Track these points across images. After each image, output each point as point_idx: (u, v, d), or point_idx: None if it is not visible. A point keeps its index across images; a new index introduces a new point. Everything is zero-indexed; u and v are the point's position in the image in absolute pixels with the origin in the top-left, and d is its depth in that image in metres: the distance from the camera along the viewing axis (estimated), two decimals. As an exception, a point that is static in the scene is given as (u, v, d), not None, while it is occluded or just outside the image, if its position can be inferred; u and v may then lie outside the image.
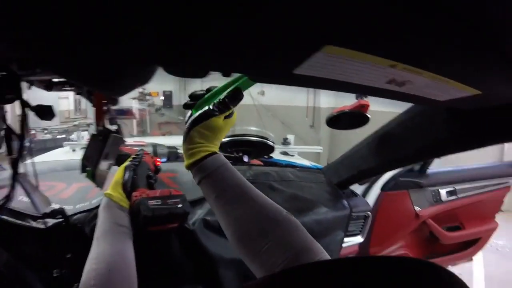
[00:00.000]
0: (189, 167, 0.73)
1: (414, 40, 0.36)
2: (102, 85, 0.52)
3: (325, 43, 0.33)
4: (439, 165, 1.88)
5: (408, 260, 0.31)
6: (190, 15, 0.27)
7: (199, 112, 0.75)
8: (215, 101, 0.75)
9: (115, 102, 0.92)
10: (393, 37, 0.34)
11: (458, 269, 2.75)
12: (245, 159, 1.28)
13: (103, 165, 0.85)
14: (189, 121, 0.75)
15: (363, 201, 1.42)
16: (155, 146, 1.18)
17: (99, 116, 0.87)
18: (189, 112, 0.79)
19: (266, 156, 1.55)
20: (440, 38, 0.36)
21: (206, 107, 0.75)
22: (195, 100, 0.79)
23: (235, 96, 0.73)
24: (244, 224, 0.64)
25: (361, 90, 0.56)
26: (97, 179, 0.86)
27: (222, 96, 0.75)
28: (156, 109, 6.18)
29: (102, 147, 0.83)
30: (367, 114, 0.98)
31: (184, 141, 0.74)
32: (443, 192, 1.78)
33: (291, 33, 0.32)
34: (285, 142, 2.09)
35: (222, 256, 0.99)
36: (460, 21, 0.33)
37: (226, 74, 0.49)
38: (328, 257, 0.58)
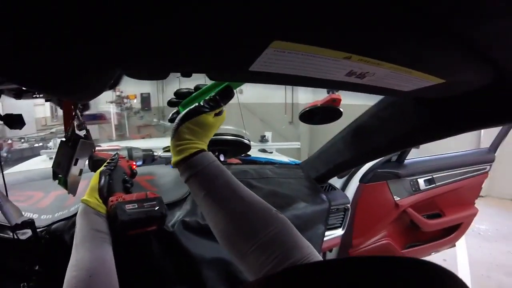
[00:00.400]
0: (177, 164, 0.72)
1: (365, 31, 0.36)
2: (60, 92, 0.51)
3: (273, 39, 0.33)
4: (417, 155, 1.90)
5: (408, 260, 0.30)
6: (144, 17, 0.27)
7: (190, 108, 0.74)
8: (205, 98, 0.74)
9: (86, 107, 0.91)
10: (342, 29, 0.35)
11: (442, 255, 2.83)
12: (221, 158, 1.27)
13: (74, 171, 0.84)
14: (179, 117, 0.74)
15: (342, 194, 1.43)
16: (130, 149, 1.17)
17: (68, 122, 0.85)
18: (174, 109, 0.79)
19: (244, 155, 1.55)
20: (394, 28, 0.36)
21: (196, 104, 0.74)
22: (180, 98, 0.79)
23: (226, 94, 0.74)
24: (233, 223, 0.63)
25: (322, 84, 0.57)
26: (69, 185, 0.85)
27: (212, 94, 0.75)
28: (134, 112, 6.10)
29: (71, 154, 0.83)
30: (339, 108, 0.99)
31: (173, 137, 0.73)
32: (421, 181, 1.81)
33: (239, 31, 0.32)
34: (263, 139, 2.09)
35: (203, 256, 0.99)
36: (414, 10, 0.33)
37: (185, 74, 0.48)
38: (316, 253, 0.58)
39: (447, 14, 0.35)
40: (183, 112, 0.74)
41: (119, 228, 0.77)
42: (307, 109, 1.00)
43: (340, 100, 0.97)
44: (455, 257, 3.41)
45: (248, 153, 1.56)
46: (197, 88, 0.79)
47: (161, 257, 0.97)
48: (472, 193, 2.08)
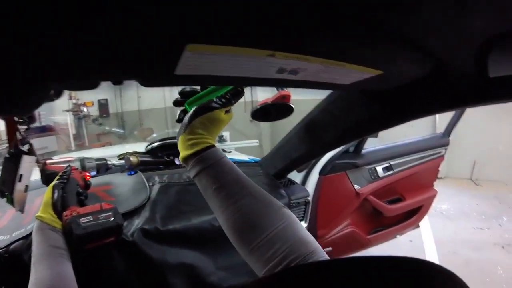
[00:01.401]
0: (187, 158, 0.72)
1: (283, 29, 0.36)
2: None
3: (186, 43, 0.33)
4: (376, 143, 1.96)
5: (408, 260, 0.30)
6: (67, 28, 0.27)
7: (203, 103, 0.76)
8: (217, 96, 0.77)
9: (32, 120, 0.88)
10: (257, 28, 0.35)
11: (408, 237, 2.94)
12: (177, 162, 1.26)
13: (20, 187, 0.81)
14: (192, 111, 0.74)
15: (301, 188, 1.44)
16: (82, 160, 1.13)
17: (11, 137, 0.83)
18: (180, 109, 0.80)
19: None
20: (313, 23, 0.37)
21: (208, 101, 0.77)
22: (185, 97, 0.80)
23: (237, 93, 0.76)
24: (243, 217, 0.64)
25: (257, 82, 0.57)
26: (16, 203, 0.82)
27: (222, 93, 0.77)
28: (92, 120, 5.85)
29: (15, 170, 0.80)
30: (290, 104, 1.00)
31: (184, 131, 0.73)
32: (379, 169, 1.87)
33: (152, 39, 0.32)
34: (221, 139, 2.09)
35: (167, 262, 0.98)
36: (334, 4, 0.34)
37: (116, 83, 0.48)
38: (321, 249, 0.59)
39: (370, 7, 0.36)
40: (196, 107, 0.74)
41: (75, 243, 0.76)
42: (258, 107, 1.01)
43: (289, 96, 0.98)
44: (421, 238, 3.54)
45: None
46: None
47: (124, 268, 0.95)
48: (430, 176, 2.17)
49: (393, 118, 0.83)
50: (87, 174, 1.02)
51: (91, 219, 0.79)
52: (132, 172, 1.22)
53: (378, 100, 0.81)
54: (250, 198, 0.66)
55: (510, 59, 0.49)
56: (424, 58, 0.56)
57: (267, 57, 0.41)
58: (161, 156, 1.25)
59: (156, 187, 1.18)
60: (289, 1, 0.32)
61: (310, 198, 1.45)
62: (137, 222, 1.01)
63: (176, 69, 0.39)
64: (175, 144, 1.23)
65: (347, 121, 0.93)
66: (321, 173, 1.66)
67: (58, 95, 0.66)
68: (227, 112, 0.78)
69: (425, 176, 2.13)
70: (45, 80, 0.41)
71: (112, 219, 0.82)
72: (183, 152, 0.73)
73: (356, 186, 1.78)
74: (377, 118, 0.86)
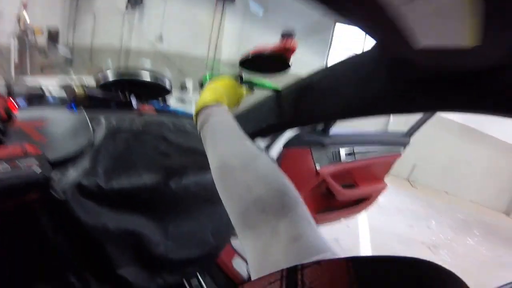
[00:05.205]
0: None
1: None
2: None
3: None
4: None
5: (408, 259, 0.28)
6: None
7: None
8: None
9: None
10: None
11: (346, 221, 3.04)
12: (133, 101, 1.04)
13: None
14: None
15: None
16: (9, 83, 0.88)
17: None
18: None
19: (161, 104, 1.33)
20: None
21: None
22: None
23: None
24: (228, 157, 0.64)
25: None
26: None
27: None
28: (39, 50, 5.11)
29: None
30: (289, 61, 0.85)
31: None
32: (342, 152, 1.89)
33: None
34: (183, 87, 1.88)
35: (107, 227, 0.81)
36: None
37: None
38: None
39: None
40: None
41: None
42: (250, 56, 0.84)
43: (294, 50, 0.83)
44: (357, 224, 3.83)
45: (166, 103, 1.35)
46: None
47: (53, 235, 0.76)
48: (384, 170, 2.28)
49: (424, 104, 0.69)
50: (13, 102, 0.82)
51: (8, 167, 0.61)
52: (74, 108, 0.98)
53: (418, 80, 0.66)
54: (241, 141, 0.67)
55: None
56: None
57: None
58: (115, 93, 1.02)
59: (101, 131, 0.92)
60: None
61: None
62: (74, 176, 0.79)
63: None
64: (137, 82, 1.03)
65: (361, 91, 0.77)
66: (286, 145, 1.65)
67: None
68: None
69: (379, 169, 2.24)
70: None
71: (36, 169, 0.64)
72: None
73: (317, 165, 1.78)
74: (403, 98, 0.70)
